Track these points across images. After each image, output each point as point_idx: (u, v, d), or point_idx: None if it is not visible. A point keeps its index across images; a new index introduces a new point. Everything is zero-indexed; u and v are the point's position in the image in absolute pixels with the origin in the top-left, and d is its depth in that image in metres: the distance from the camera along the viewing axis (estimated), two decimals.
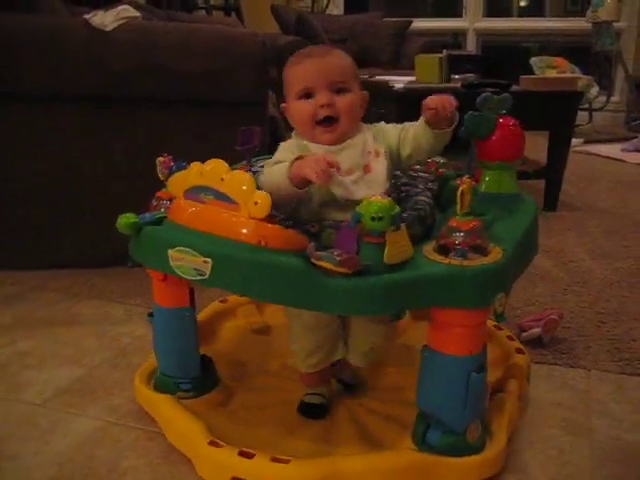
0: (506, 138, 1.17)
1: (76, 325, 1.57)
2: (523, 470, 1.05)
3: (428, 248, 0.95)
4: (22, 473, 1.04)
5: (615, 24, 4.93)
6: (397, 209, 0.88)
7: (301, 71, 1.09)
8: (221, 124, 1.82)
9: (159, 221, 1.06)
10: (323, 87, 1.07)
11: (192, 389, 1.17)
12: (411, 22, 4.85)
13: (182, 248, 0.95)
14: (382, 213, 0.85)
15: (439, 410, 0.99)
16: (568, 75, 4.41)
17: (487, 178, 1.18)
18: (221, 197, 0.96)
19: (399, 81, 2.65)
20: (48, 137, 1.85)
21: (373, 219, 0.85)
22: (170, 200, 1.09)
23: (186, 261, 0.95)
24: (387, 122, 1.15)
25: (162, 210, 1.09)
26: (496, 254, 0.94)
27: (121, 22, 1.76)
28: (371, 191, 1.02)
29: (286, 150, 1.10)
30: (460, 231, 0.93)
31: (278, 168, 1.03)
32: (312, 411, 1.16)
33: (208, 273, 0.93)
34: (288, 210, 1.08)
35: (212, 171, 0.97)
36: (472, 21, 5.93)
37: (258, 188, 0.95)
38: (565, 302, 1.71)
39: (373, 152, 1.09)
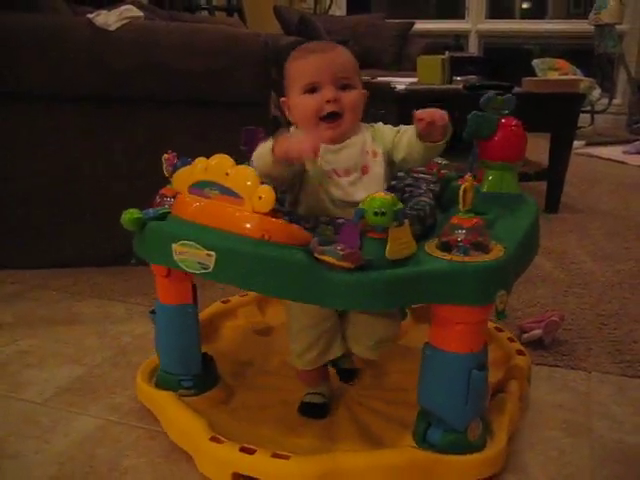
0: (508, 139, 1.17)
1: (77, 324, 1.57)
2: (523, 470, 1.05)
3: (430, 245, 0.96)
4: (23, 472, 1.04)
5: (618, 26, 4.93)
6: (400, 205, 0.88)
7: (306, 66, 1.09)
8: (222, 124, 1.82)
9: (163, 216, 1.06)
10: (329, 82, 1.07)
11: (193, 386, 1.17)
12: (413, 23, 4.85)
13: (186, 242, 0.96)
14: (385, 208, 0.86)
15: (440, 408, 0.99)
16: (570, 77, 4.41)
17: (489, 178, 1.19)
18: (226, 192, 0.96)
19: (401, 82, 2.65)
20: (48, 137, 1.85)
21: (376, 214, 0.86)
22: (174, 197, 1.10)
23: (190, 255, 0.96)
24: (388, 123, 1.15)
25: (166, 206, 1.10)
26: (498, 251, 0.94)
27: (124, 22, 1.76)
28: (368, 193, 1.02)
29: None
30: (462, 228, 0.93)
31: (262, 147, 1.02)
32: (313, 411, 1.16)
33: (212, 266, 0.93)
34: (286, 186, 1.08)
35: (217, 166, 0.98)
36: (474, 23, 5.93)
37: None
38: (566, 304, 1.71)
39: (371, 153, 1.09)
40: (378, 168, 1.09)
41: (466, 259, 0.91)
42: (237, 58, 1.81)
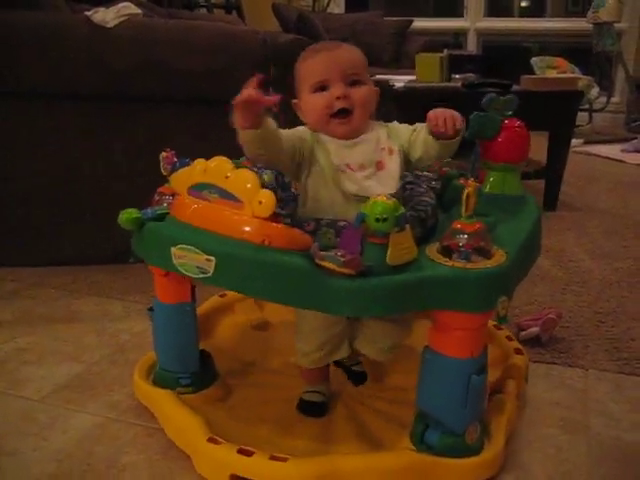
0: (512, 140, 1.17)
1: (75, 322, 1.57)
2: (521, 468, 1.05)
3: (431, 249, 0.95)
4: (21, 469, 1.04)
5: (616, 25, 4.93)
6: (402, 210, 0.87)
7: (314, 65, 1.09)
8: (222, 123, 1.81)
9: (161, 217, 1.06)
10: (338, 79, 1.07)
11: (191, 384, 1.17)
12: (412, 21, 4.85)
13: (185, 246, 0.95)
14: (387, 214, 0.85)
15: (439, 411, 0.99)
16: (568, 75, 4.41)
17: (491, 179, 1.18)
18: (225, 195, 0.95)
19: (399, 80, 2.65)
20: (48, 137, 1.84)
21: (378, 220, 0.85)
22: (172, 195, 1.09)
23: (189, 259, 0.95)
24: (387, 122, 1.15)
25: (164, 205, 1.09)
26: (499, 257, 0.93)
27: (122, 19, 1.76)
28: (383, 188, 1.02)
29: (296, 128, 1.10)
30: (464, 233, 0.92)
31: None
32: (311, 409, 1.16)
33: (211, 271, 0.93)
34: (289, 172, 1.10)
35: (216, 168, 0.97)
36: (473, 21, 5.93)
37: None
38: (564, 302, 1.71)
39: (387, 149, 1.09)
40: (394, 165, 1.08)
41: (468, 265, 0.91)
42: (236, 56, 1.80)
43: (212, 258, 0.92)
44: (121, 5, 1.81)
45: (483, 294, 0.91)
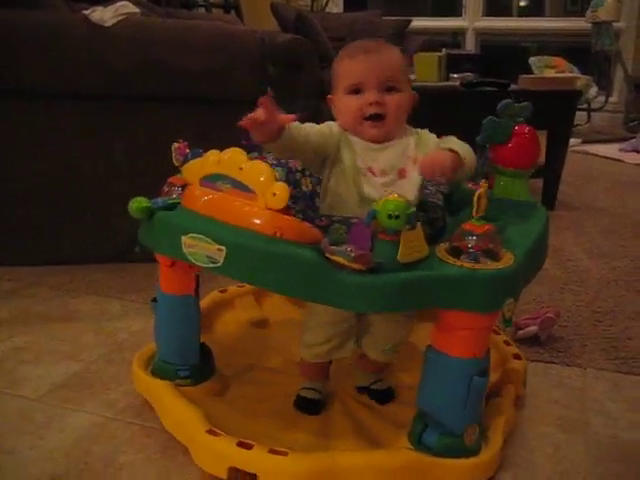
0: (522, 145, 1.16)
1: (73, 321, 1.57)
2: (519, 466, 1.05)
3: (441, 249, 0.95)
4: (19, 468, 1.04)
5: (614, 24, 4.94)
6: (413, 208, 0.88)
7: (353, 66, 1.08)
8: (221, 123, 1.80)
9: (172, 206, 1.06)
10: (373, 85, 1.06)
11: (190, 376, 1.17)
12: (410, 21, 4.84)
13: (196, 235, 0.95)
14: (399, 211, 0.85)
15: (439, 411, 0.99)
16: (567, 75, 4.42)
17: (500, 184, 1.18)
18: (239, 186, 0.95)
19: None
20: (48, 137, 1.84)
21: (390, 217, 0.85)
22: (182, 186, 1.09)
23: (199, 248, 0.95)
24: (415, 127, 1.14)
25: (174, 196, 1.09)
26: (508, 259, 0.94)
27: (120, 18, 1.76)
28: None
29: (326, 124, 1.10)
30: (473, 234, 0.93)
31: None
32: (307, 406, 1.16)
33: (221, 261, 0.92)
34: (312, 166, 1.11)
35: (230, 160, 0.97)
36: (471, 20, 5.94)
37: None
38: (562, 301, 1.71)
39: (412, 158, 1.08)
40: (416, 174, 1.07)
41: (476, 266, 0.91)
42: (234, 55, 1.80)
43: (223, 248, 0.92)
44: (119, 4, 1.80)
45: (490, 295, 0.91)
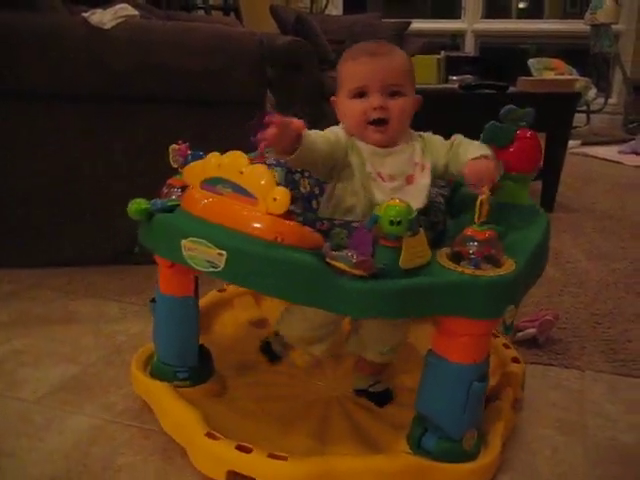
0: (523, 150, 1.16)
1: (72, 323, 1.57)
2: (516, 469, 1.06)
3: (442, 255, 0.95)
4: (18, 470, 1.04)
5: (613, 26, 4.95)
6: (415, 214, 0.87)
7: (357, 69, 1.07)
8: (221, 124, 1.82)
9: (171, 209, 1.05)
10: (377, 89, 1.05)
11: (188, 378, 1.17)
12: (410, 23, 4.84)
13: (196, 239, 0.95)
14: (401, 217, 0.85)
15: (438, 415, 0.99)
16: (566, 77, 4.42)
17: (502, 188, 1.18)
18: (239, 190, 0.95)
19: None
20: (48, 137, 1.84)
21: (392, 223, 0.85)
22: (182, 188, 1.09)
23: (199, 252, 0.94)
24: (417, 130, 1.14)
25: (174, 197, 1.09)
26: (509, 266, 0.93)
27: (119, 20, 1.76)
28: (410, 202, 1.01)
29: (330, 130, 1.08)
30: (475, 240, 0.92)
31: None
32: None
33: (222, 266, 0.92)
34: (322, 175, 1.10)
35: (231, 163, 0.96)
36: (471, 22, 5.94)
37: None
38: (561, 303, 1.71)
39: (420, 164, 1.08)
40: (424, 180, 1.07)
41: (477, 272, 0.90)
42: (233, 57, 1.81)
43: (224, 252, 0.92)
44: (118, 7, 1.81)
45: (491, 302, 0.91)
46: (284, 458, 0.95)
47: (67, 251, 1.92)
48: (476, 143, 1.09)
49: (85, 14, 1.76)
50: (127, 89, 1.80)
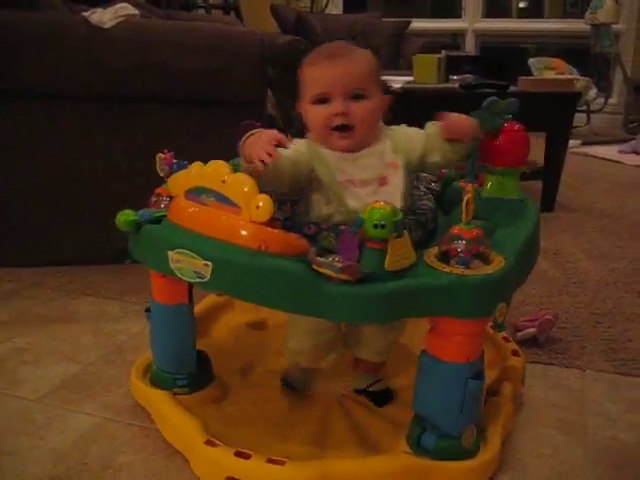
0: (511, 143, 1.16)
1: (72, 322, 1.57)
2: (517, 468, 1.06)
3: (429, 255, 0.94)
4: (19, 468, 1.04)
5: (614, 26, 4.94)
6: (399, 216, 0.87)
7: (318, 74, 1.04)
8: (221, 123, 1.81)
9: (158, 220, 1.05)
10: (339, 94, 1.02)
11: (188, 385, 1.17)
12: (410, 22, 4.85)
13: (182, 250, 0.95)
14: (385, 220, 0.84)
15: (435, 415, 0.99)
16: (566, 76, 4.42)
17: (490, 183, 1.18)
18: (223, 200, 0.94)
19: (397, 81, 2.65)
20: (48, 137, 1.84)
21: (375, 226, 0.84)
22: (170, 197, 1.09)
23: (186, 263, 0.94)
24: (385, 122, 1.12)
25: (162, 206, 1.09)
26: (498, 263, 0.92)
27: (119, 20, 1.76)
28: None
29: (294, 146, 1.04)
30: (462, 239, 0.92)
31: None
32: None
33: (208, 276, 0.92)
34: (288, 194, 1.07)
35: (213, 173, 0.96)
36: (471, 22, 5.93)
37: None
38: (561, 302, 1.71)
39: (392, 164, 1.06)
40: (398, 180, 1.05)
41: (466, 272, 0.90)
42: (233, 56, 1.81)
43: (209, 263, 0.92)
44: (119, 6, 1.81)
45: (481, 301, 0.91)
46: (282, 463, 0.95)
47: (67, 250, 1.92)
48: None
49: (85, 13, 1.77)
50: (127, 89, 1.80)
